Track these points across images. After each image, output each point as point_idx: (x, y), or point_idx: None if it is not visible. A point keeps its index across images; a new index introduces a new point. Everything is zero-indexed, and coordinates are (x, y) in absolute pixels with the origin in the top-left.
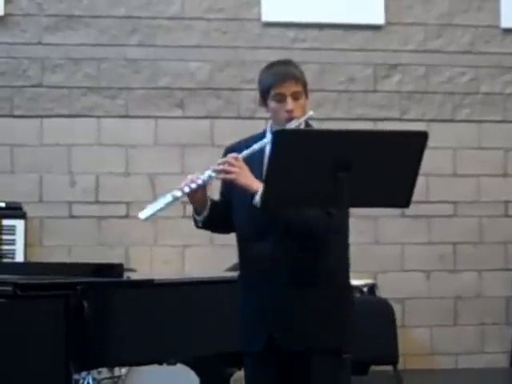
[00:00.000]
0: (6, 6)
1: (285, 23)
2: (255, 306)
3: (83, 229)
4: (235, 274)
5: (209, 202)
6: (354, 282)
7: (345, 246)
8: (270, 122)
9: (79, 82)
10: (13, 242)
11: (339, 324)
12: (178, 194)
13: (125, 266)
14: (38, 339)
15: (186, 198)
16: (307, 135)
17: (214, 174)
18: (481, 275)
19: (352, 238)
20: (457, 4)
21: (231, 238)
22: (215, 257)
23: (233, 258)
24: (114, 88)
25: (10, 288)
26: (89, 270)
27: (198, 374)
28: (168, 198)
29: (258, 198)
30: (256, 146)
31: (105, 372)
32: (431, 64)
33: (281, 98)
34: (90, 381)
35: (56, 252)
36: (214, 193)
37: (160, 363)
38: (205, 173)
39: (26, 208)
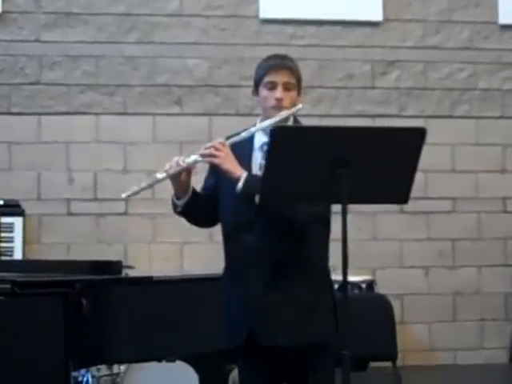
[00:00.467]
0: (4, 3)
1: (283, 20)
2: (237, 300)
3: (81, 226)
4: None
5: (191, 189)
6: (353, 278)
7: (325, 238)
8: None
9: (77, 79)
10: (11, 240)
11: (320, 317)
12: (162, 175)
13: (123, 263)
14: (37, 337)
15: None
16: (305, 132)
17: (199, 158)
18: (480, 271)
19: (350, 235)
20: (455, 0)
21: None
22: (214, 254)
23: None
24: (112, 85)
25: (8, 286)
26: (87, 267)
27: (197, 370)
28: (152, 178)
29: (240, 185)
30: (244, 134)
31: (104, 369)
32: (429, 60)
33: (272, 86)
34: (89, 378)
35: (54, 249)
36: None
37: (159, 360)
38: (191, 156)
39: (24, 205)
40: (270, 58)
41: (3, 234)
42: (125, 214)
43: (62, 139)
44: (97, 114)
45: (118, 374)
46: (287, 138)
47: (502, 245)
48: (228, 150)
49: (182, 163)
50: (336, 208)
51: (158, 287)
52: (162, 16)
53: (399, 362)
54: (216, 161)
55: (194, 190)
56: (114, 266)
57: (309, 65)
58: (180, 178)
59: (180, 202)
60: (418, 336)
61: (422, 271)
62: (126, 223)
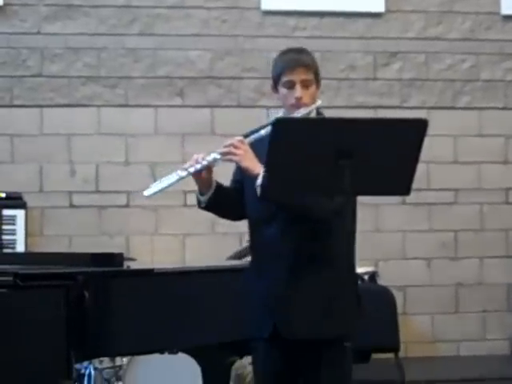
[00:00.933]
0: None
1: (285, 11)
2: (262, 292)
3: (83, 218)
4: (236, 262)
5: (214, 184)
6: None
7: (348, 231)
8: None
9: (79, 71)
10: (13, 232)
11: (341, 311)
12: (183, 173)
13: (125, 256)
14: (39, 329)
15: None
16: (307, 123)
17: (219, 156)
18: (482, 262)
19: None
20: None
21: (232, 227)
22: (216, 246)
23: (233, 246)
24: (114, 77)
25: (10, 278)
26: (89, 259)
27: (200, 362)
28: (173, 177)
29: (258, 182)
30: (263, 132)
31: (106, 361)
32: (431, 51)
33: (290, 85)
34: (92, 370)
35: (56, 242)
36: (220, 179)
37: (161, 352)
38: (210, 154)
39: (26, 198)
40: (286, 52)
41: (5, 227)
42: (127, 206)
43: (63, 131)
44: (98, 106)
45: (120, 367)
46: (289, 129)
47: (505, 236)
48: (247, 148)
49: (201, 161)
50: None
51: (159, 279)
52: (163, 8)
53: (402, 354)
54: (235, 158)
55: (218, 185)
56: (115, 259)
57: None
58: (201, 176)
59: (204, 198)
60: (420, 327)
61: (424, 263)
62: (127, 215)
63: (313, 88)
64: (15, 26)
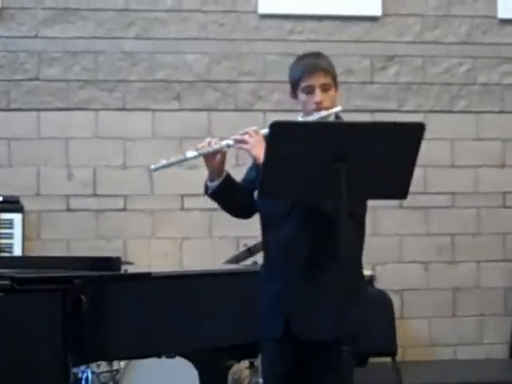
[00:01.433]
0: None
1: (282, 15)
2: (276, 293)
3: (81, 222)
4: (233, 266)
5: (225, 173)
6: None
7: (361, 233)
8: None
9: (76, 75)
10: (10, 236)
11: (354, 313)
12: (193, 153)
13: (123, 259)
14: (36, 333)
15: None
16: (304, 127)
17: (231, 143)
18: (479, 266)
19: None
20: None
21: (229, 231)
22: (214, 249)
23: (231, 250)
24: (112, 81)
25: (7, 282)
26: (86, 263)
27: (197, 366)
28: (182, 155)
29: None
30: None
31: (104, 365)
32: (428, 55)
33: (310, 90)
34: (89, 374)
35: (54, 245)
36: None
37: (159, 356)
38: (224, 140)
39: (23, 201)
40: (303, 57)
41: (2, 231)
42: (124, 209)
43: (61, 135)
44: (96, 109)
45: (117, 371)
46: (286, 132)
47: (502, 240)
48: (260, 138)
49: (214, 144)
50: None
51: (157, 283)
52: (160, 11)
53: (399, 358)
54: (246, 147)
55: (229, 176)
56: (113, 262)
57: None
58: (214, 160)
59: (212, 184)
60: (417, 331)
61: (421, 266)
62: (125, 219)
63: (332, 91)
64: (12, 29)
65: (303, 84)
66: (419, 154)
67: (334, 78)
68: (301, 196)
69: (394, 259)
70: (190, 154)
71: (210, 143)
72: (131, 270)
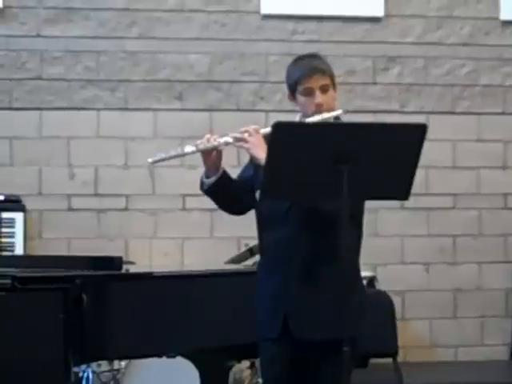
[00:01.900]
0: None
1: (284, 15)
2: (274, 292)
3: (82, 221)
4: (234, 266)
5: (221, 170)
6: None
7: (359, 235)
8: (299, 114)
9: (78, 74)
10: (12, 235)
11: (353, 313)
12: (191, 148)
13: (124, 259)
14: (37, 332)
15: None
16: (306, 128)
17: (231, 140)
18: (480, 267)
19: None
20: None
21: (230, 231)
22: (215, 249)
23: (232, 250)
24: (114, 80)
25: (8, 281)
26: (88, 262)
27: (198, 366)
28: (180, 149)
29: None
30: None
31: (104, 365)
32: (430, 56)
33: (309, 92)
34: (90, 373)
35: (55, 245)
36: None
37: (159, 356)
38: (223, 137)
39: (25, 201)
40: (299, 59)
41: (4, 230)
42: (125, 209)
43: (63, 134)
44: (98, 109)
45: (118, 370)
46: (288, 133)
47: (503, 241)
48: (260, 137)
49: (213, 141)
50: None
51: (158, 283)
52: (162, 11)
53: (400, 359)
54: (246, 146)
55: (226, 173)
56: (114, 262)
57: None
58: (211, 156)
59: (208, 181)
60: (418, 332)
61: (422, 267)
62: (126, 219)
63: (331, 91)
64: (15, 28)
65: (302, 86)
66: (421, 155)
67: (331, 78)
68: (303, 196)
69: (396, 260)
70: (188, 148)
71: (209, 140)
72: (132, 269)
